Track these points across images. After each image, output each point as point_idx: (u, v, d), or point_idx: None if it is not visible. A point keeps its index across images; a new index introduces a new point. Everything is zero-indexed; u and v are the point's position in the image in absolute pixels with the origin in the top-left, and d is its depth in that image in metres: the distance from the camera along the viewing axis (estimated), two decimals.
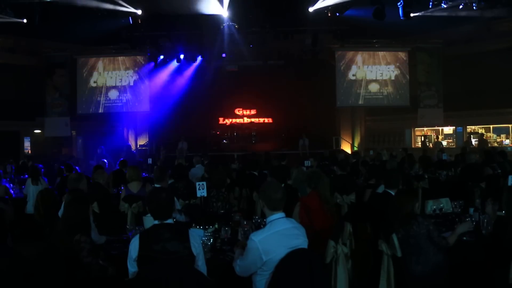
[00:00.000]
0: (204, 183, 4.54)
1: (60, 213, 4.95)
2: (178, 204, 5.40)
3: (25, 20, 12.09)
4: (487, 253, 3.87)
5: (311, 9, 13.41)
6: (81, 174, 5.30)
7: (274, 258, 3.32)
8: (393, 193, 5.16)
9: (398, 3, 12.45)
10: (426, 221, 4.09)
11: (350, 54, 19.17)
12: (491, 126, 19.61)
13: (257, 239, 3.35)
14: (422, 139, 20.49)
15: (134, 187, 5.49)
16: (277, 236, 3.39)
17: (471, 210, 4.77)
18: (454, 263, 4.04)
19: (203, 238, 3.94)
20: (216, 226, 4.14)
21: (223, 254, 4.01)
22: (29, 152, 19.64)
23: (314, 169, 5.32)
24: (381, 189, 6.32)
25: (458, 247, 4.17)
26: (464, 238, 4.29)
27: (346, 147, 21.13)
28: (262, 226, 4.47)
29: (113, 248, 4.20)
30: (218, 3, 13.31)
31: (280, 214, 3.53)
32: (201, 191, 4.47)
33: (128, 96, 19.22)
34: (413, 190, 4.36)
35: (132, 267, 3.29)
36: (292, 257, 3.30)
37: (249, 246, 3.37)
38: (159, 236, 3.23)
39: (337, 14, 13.23)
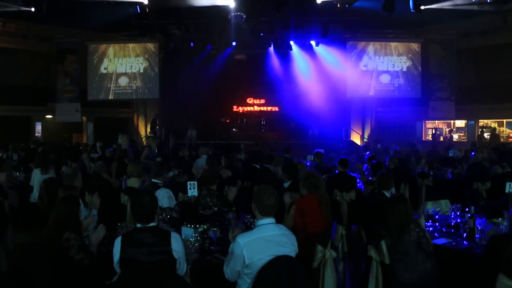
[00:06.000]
0: (195, 182, 4.53)
1: None
2: (174, 200, 5.40)
3: (33, 9, 12.12)
4: (478, 263, 3.79)
5: (319, 1, 13.20)
6: (76, 169, 5.28)
7: (257, 263, 3.30)
8: (387, 194, 5.10)
9: None
10: (417, 227, 4.03)
11: (361, 44, 18.91)
12: (504, 120, 19.22)
13: (242, 241, 3.34)
14: (433, 132, 20.16)
15: (133, 183, 5.50)
16: (263, 242, 3.37)
17: (467, 216, 4.67)
18: (444, 272, 3.98)
19: (191, 239, 3.94)
20: (205, 226, 4.13)
21: (211, 255, 4.00)
22: (40, 136, 19.89)
23: (312, 173, 5.20)
24: None
25: (448, 255, 4.11)
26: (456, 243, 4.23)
27: (356, 138, 20.93)
28: (252, 227, 4.45)
29: (103, 244, 4.18)
30: None
31: (270, 220, 3.51)
32: (192, 190, 4.46)
33: (138, 83, 19.26)
34: (402, 196, 4.25)
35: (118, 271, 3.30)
36: (274, 264, 3.28)
37: (234, 248, 3.37)
38: (140, 240, 3.23)
39: (346, 6, 13.02)
